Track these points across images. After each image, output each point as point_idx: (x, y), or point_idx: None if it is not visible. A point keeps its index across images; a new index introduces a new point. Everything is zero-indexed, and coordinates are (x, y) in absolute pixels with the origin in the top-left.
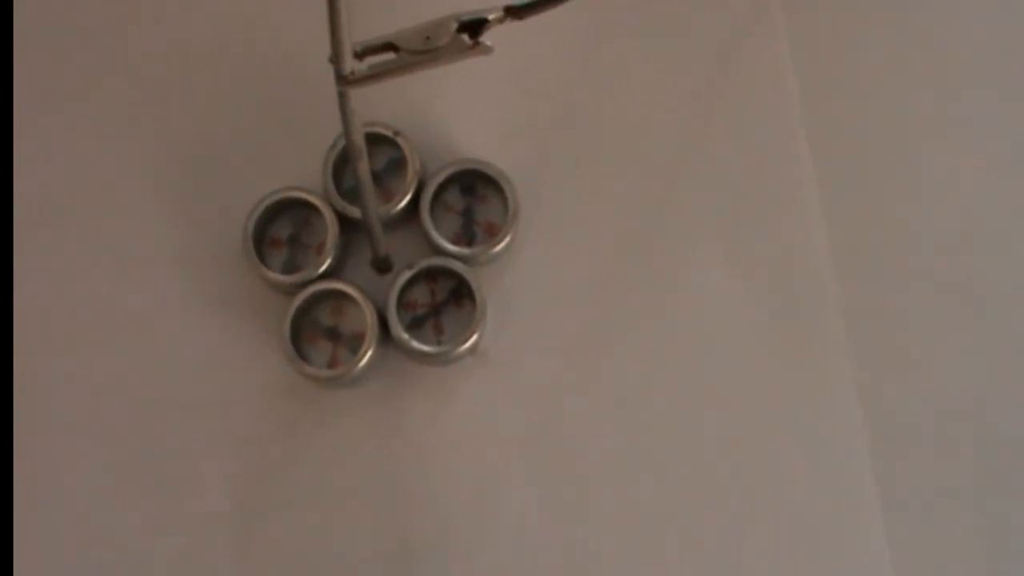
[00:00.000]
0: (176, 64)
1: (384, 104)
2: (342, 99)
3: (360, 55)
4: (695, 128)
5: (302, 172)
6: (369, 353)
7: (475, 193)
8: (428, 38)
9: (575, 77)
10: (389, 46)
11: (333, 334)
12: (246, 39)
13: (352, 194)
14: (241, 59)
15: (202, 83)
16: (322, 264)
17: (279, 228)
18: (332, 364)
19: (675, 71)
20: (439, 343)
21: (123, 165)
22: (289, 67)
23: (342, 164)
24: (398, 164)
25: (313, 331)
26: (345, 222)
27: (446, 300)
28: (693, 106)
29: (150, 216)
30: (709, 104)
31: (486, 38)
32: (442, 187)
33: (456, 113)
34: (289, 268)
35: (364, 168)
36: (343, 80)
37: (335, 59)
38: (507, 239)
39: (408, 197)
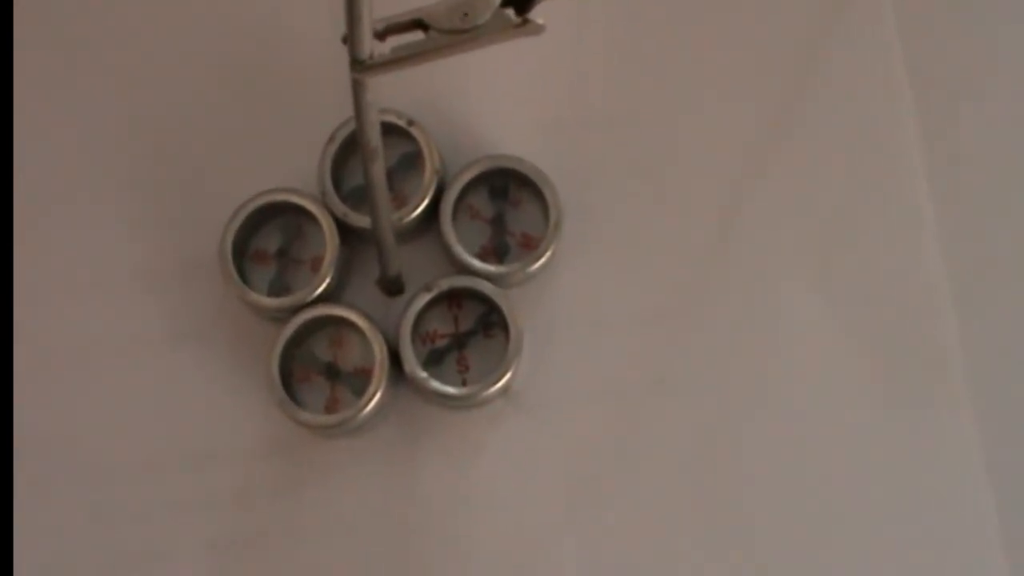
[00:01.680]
0: (141, 41)
1: (394, 86)
2: (357, 88)
3: (381, 35)
4: (780, 125)
5: (293, 170)
6: (377, 395)
7: (508, 197)
8: (465, 14)
9: (635, 60)
10: (417, 24)
11: (332, 371)
12: (227, 11)
13: (355, 197)
14: (220, 35)
15: (172, 63)
16: (319, 284)
17: (265, 239)
18: (331, 408)
19: (757, 56)
20: (464, 383)
21: (71, 164)
22: (279, 44)
23: (342, 160)
24: (412, 161)
25: (307, 368)
26: (346, 232)
27: (472, 330)
28: (778, 99)
29: (104, 224)
30: (797, 97)
31: (536, 13)
32: (467, 189)
33: (484, 99)
34: (277, 289)
35: (379, 171)
36: (360, 66)
37: (350, 39)
38: (547, 255)
39: (425, 202)
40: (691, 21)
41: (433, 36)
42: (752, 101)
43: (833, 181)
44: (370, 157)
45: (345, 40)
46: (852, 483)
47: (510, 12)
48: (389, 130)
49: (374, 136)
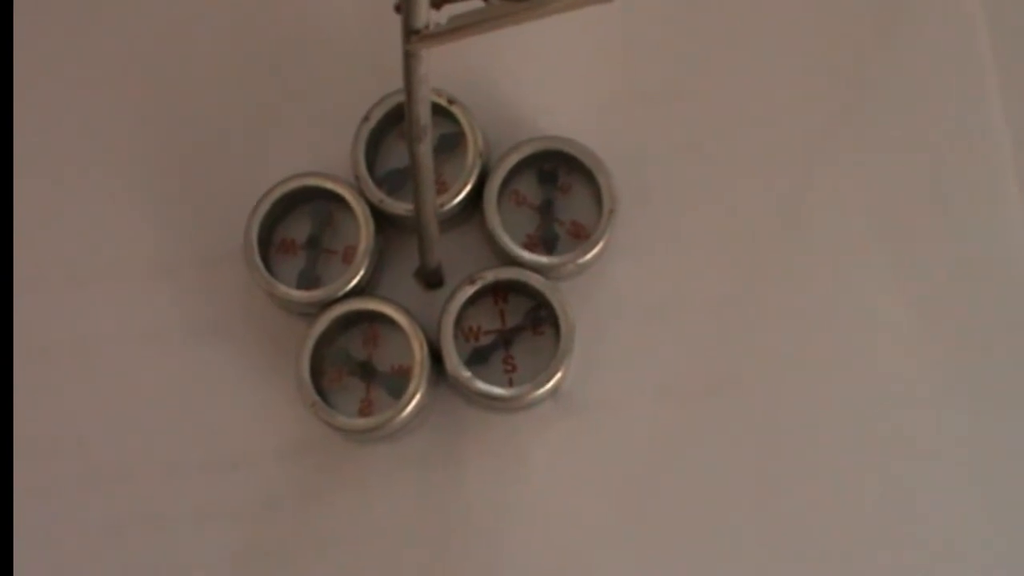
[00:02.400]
0: (162, 15)
1: (432, 60)
2: (410, 61)
3: (437, 3)
4: (853, 99)
5: (323, 153)
6: (416, 397)
7: (557, 183)
8: None
9: (694, 31)
10: None
11: (367, 371)
12: None
13: (392, 181)
14: (245, 8)
15: (194, 38)
16: (352, 276)
17: (293, 227)
18: (365, 411)
19: (828, 24)
20: (510, 383)
21: (85, 146)
22: (308, 17)
23: (377, 142)
24: (454, 143)
25: (340, 367)
26: (382, 219)
27: (519, 326)
28: (851, 72)
29: (119, 211)
30: (871, 69)
31: None
32: (513, 174)
33: (531, 74)
34: (307, 281)
35: (427, 152)
36: (415, 35)
37: (405, 7)
38: (600, 244)
39: (468, 187)
40: None
41: (494, 3)
42: (823, 73)
43: (911, 159)
44: (418, 136)
45: (398, 8)
46: (938, 495)
47: None
48: None
49: (424, 113)
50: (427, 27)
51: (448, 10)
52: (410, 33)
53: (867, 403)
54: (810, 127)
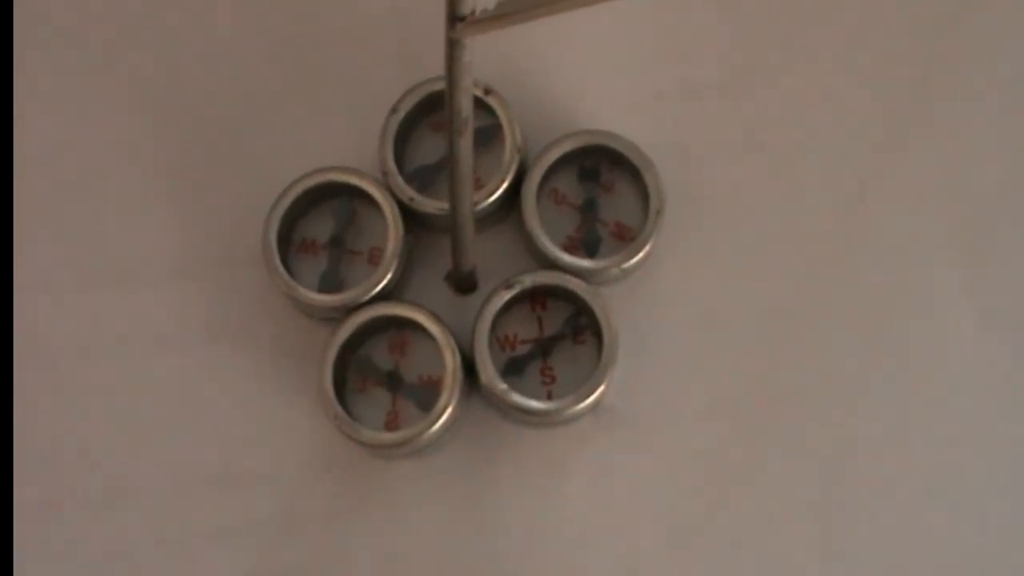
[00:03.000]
0: (178, 5)
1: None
2: (454, 49)
3: None
4: (920, 90)
5: (349, 146)
6: (448, 410)
7: (600, 180)
8: None
9: (748, 20)
10: None
11: (394, 381)
12: None
13: (422, 178)
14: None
15: (210, 28)
16: (379, 279)
17: (315, 226)
18: (392, 425)
19: (893, 18)
20: (549, 396)
21: (98, 140)
22: (331, 3)
23: (406, 135)
24: (489, 136)
25: (365, 377)
26: (411, 218)
27: (559, 334)
28: (918, 60)
29: (131, 209)
30: (940, 57)
31: None
32: (553, 170)
33: (573, 65)
34: (330, 284)
35: (467, 146)
36: (460, 22)
37: None
38: (647, 247)
39: (504, 185)
40: None
41: None
42: (888, 64)
43: (984, 157)
44: (459, 130)
45: None
46: (1013, 511)
47: None
48: None
49: (467, 105)
50: (473, 13)
51: None
52: (455, 19)
53: (936, 418)
54: (874, 121)
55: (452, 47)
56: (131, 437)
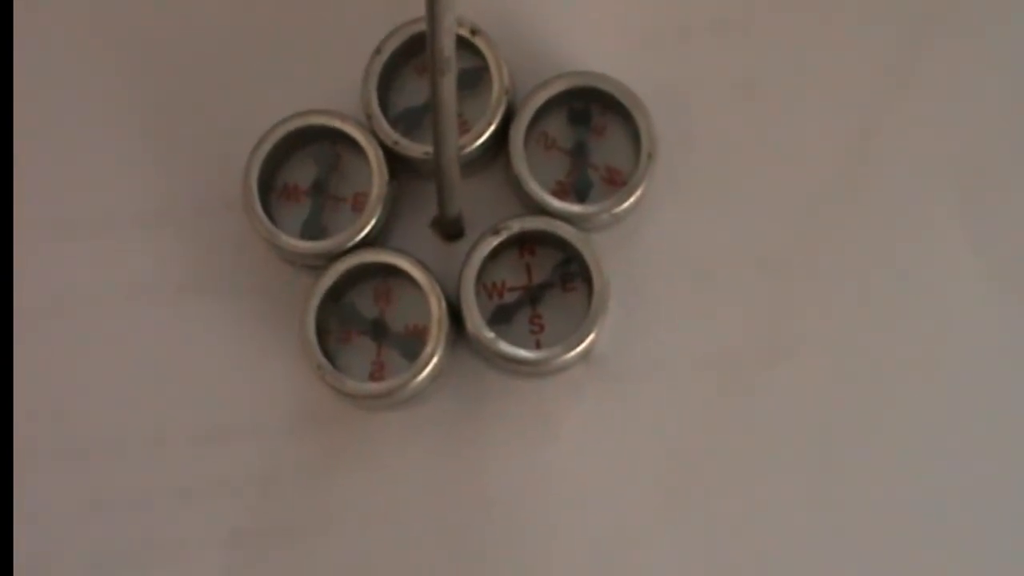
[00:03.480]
0: None
1: None
2: None
3: None
4: (924, 34)
5: (331, 89)
6: (433, 359)
7: (591, 123)
8: None
9: None
10: None
11: (379, 331)
12: None
13: (407, 121)
14: None
15: None
16: (363, 226)
17: (297, 171)
18: (377, 375)
19: None
20: (538, 345)
21: (65, 81)
22: None
23: (390, 77)
24: (476, 78)
25: (349, 326)
26: (396, 163)
27: (548, 282)
28: (916, 8)
29: (104, 154)
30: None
31: None
32: (541, 113)
33: (564, 6)
34: (312, 231)
35: (450, 86)
36: None
37: None
38: (638, 192)
39: (491, 128)
40: None
41: None
42: (892, 7)
43: (996, 99)
44: (441, 69)
45: None
46: (1015, 465)
47: None
48: None
49: (449, 44)
50: None
51: None
52: None
53: (938, 374)
54: (878, 62)
55: None
56: (106, 390)
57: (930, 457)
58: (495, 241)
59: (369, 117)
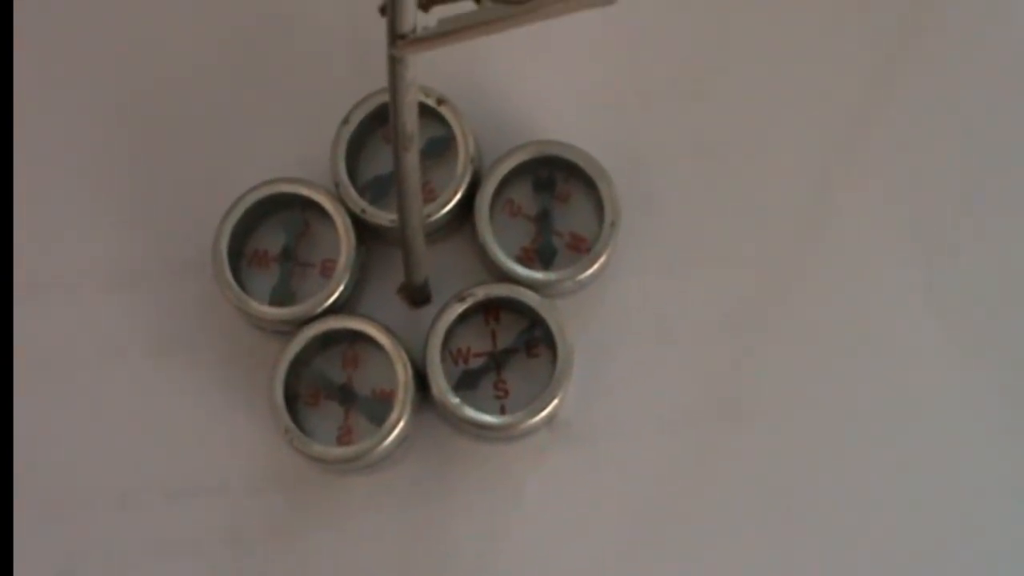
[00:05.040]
0: (127, 10)
1: (419, 58)
2: (395, 67)
3: (425, 4)
4: (874, 101)
5: (300, 157)
6: (400, 424)
7: (555, 191)
8: None
9: (703, 29)
10: None
11: (346, 395)
12: None
13: (374, 189)
14: (222, 5)
15: (160, 34)
16: (331, 292)
17: (267, 238)
18: (344, 439)
19: (850, 20)
20: (502, 410)
21: (45, 148)
22: (283, 11)
23: (358, 146)
24: (443, 147)
25: (317, 390)
26: (364, 230)
27: (513, 347)
28: (872, 69)
29: (79, 218)
30: (894, 65)
31: None
32: (507, 181)
33: (526, 73)
34: (281, 297)
35: (413, 161)
36: (401, 40)
37: (391, 9)
38: (602, 259)
39: (458, 196)
40: None
41: (487, 6)
42: (844, 68)
43: (944, 159)
44: (405, 145)
45: (383, 11)
46: (973, 525)
47: None
48: None
49: (411, 121)
50: (414, 31)
51: (437, 12)
52: (396, 37)
53: (894, 432)
54: (831, 128)
55: (394, 64)
56: (75, 450)
57: (891, 517)
58: (461, 308)
59: (337, 185)
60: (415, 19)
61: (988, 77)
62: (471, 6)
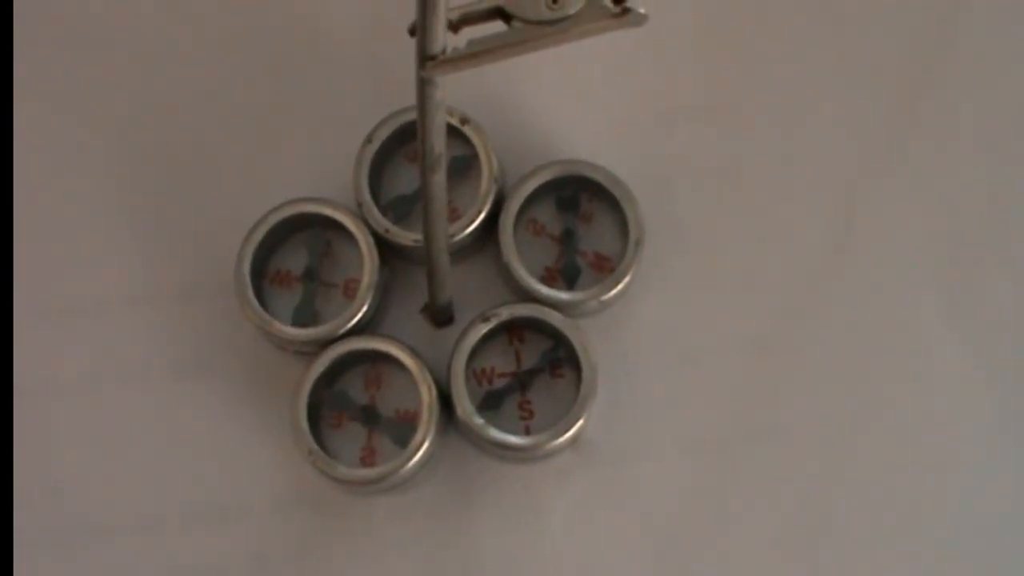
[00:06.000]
0: (150, 30)
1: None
2: (425, 87)
3: (455, 25)
4: (905, 115)
5: (323, 177)
6: (424, 445)
7: (579, 211)
8: (554, 1)
9: (728, 45)
10: (497, 13)
11: (369, 416)
12: None
13: (397, 208)
14: (238, 22)
15: (182, 54)
16: (354, 313)
17: (289, 258)
18: (368, 460)
19: (877, 33)
20: (527, 431)
21: (67, 167)
22: (306, 31)
23: (381, 165)
24: (466, 166)
25: (340, 411)
26: (387, 250)
27: (537, 368)
28: (899, 94)
29: (102, 238)
30: (921, 91)
31: (637, 1)
32: (531, 200)
33: (551, 93)
34: (304, 317)
35: (440, 182)
36: (431, 61)
37: (420, 30)
38: (626, 279)
39: (482, 215)
40: (784, 8)
41: (516, 27)
42: (871, 92)
43: (970, 178)
44: (432, 166)
45: (412, 32)
46: (996, 546)
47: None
48: None
49: (439, 142)
50: (444, 52)
51: (466, 33)
52: (426, 59)
53: (919, 454)
54: (858, 150)
55: (423, 85)
56: (98, 474)
57: (918, 537)
58: (484, 328)
59: (360, 205)
60: (445, 40)
61: (1012, 102)
62: (501, 27)
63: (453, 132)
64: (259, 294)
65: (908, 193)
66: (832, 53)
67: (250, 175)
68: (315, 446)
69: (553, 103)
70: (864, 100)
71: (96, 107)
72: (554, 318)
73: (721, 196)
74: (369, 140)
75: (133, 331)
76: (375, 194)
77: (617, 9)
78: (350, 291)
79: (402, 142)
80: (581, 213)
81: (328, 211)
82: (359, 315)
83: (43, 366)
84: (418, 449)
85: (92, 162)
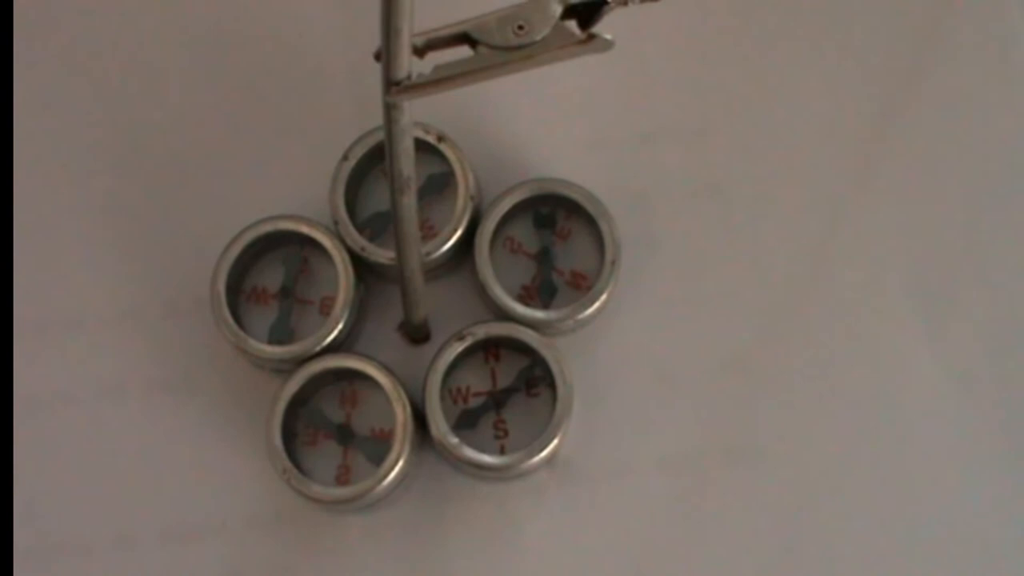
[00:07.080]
0: (127, 47)
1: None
2: (391, 112)
3: (420, 50)
4: (879, 144)
5: (299, 194)
6: (399, 463)
7: (555, 228)
8: (520, 27)
9: (706, 67)
10: (463, 38)
11: (345, 434)
12: (223, 15)
13: (374, 226)
14: (215, 41)
15: (159, 71)
16: (329, 330)
17: (265, 275)
18: (343, 479)
19: (853, 50)
20: (502, 450)
21: (42, 183)
22: (283, 50)
23: (358, 183)
24: (442, 183)
25: (315, 429)
26: (363, 268)
27: (513, 387)
28: (877, 114)
29: (77, 255)
30: (899, 110)
31: (604, 27)
32: (507, 218)
33: (527, 110)
34: (280, 335)
35: (410, 204)
36: (396, 87)
37: (385, 56)
38: (602, 297)
39: (458, 233)
40: (771, 14)
41: (482, 53)
42: (849, 110)
43: (947, 199)
44: (401, 189)
45: (378, 57)
46: (975, 567)
47: (572, 25)
48: (415, 147)
49: (407, 165)
50: (409, 77)
51: (432, 58)
52: (390, 84)
53: (896, 473)
54: (835, 168)
55: (389, 110)
56: (72, 491)
57: (893, 559)
58: (460, 347)
59: (336, 222)
60: (410, 66)
61: (988, 120)
62: (467, 52)
63: (430, 149)
64: (235, 311)
65: (884, 212)
66: (809, 71)
67: (226, 192)
68: (290, 464)
69: (530, 121)
70: (841, 118)
71: (71, 125)
72: (530, 337)
73: (698, 214)
74: (345, 157)
75: (108, 347)
76: (351, 211)
77: (583, 35)
78: (326, 309)
79: (379, 159)
80: (558, 231)
81: (304, 228)
82: (335, 333)
83: (16, 383)
84: (393, 467)
85: (67, 179)
